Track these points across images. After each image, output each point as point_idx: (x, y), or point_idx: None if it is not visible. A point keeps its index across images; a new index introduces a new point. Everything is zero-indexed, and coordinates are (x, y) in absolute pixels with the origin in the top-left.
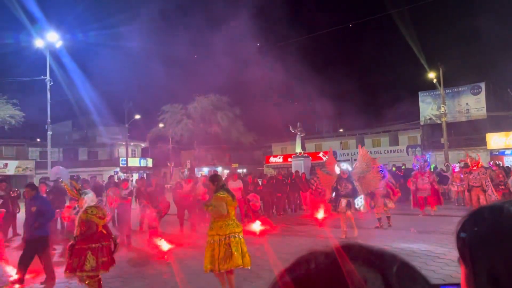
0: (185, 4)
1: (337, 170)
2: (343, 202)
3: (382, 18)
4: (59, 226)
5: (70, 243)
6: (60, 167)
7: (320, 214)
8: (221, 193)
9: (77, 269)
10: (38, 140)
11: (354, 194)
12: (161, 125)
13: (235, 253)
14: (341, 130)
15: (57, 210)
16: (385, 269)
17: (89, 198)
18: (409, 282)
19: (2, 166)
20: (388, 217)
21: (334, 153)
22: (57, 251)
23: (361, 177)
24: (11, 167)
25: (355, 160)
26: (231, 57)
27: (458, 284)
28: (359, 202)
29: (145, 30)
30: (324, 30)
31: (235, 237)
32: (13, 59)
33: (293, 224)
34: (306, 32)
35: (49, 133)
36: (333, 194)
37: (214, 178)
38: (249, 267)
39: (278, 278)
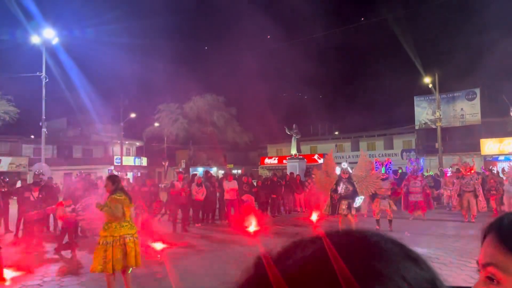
0: (182, 3)
1: (337, 171)
2: (344, 204)
3: (378, 22)
4: (51, 225)
5: None
6: (43, 163)
7: (315, 216)
8: (118, 194)
9: None
10: (32, 136)
11: (354, 195)
12: (156, 124)
13: (131, 253)
14: (336, 132)
15: (49, 208)
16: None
17: None
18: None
19: None
20: (390, 221)
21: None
22: (51, 249)
23: (360, 180)
24: (4, 163)
25: (349, 163)
26: (228, 57)
27: None
28: (358, 201)
29: (142, 27)
30: (320, 33)
31: (130, 238)
32: (9, 55)
33: (287, 225)
34: (303, 35)
35: (44, 130)
36: (331, 195)
37: (113, 178)
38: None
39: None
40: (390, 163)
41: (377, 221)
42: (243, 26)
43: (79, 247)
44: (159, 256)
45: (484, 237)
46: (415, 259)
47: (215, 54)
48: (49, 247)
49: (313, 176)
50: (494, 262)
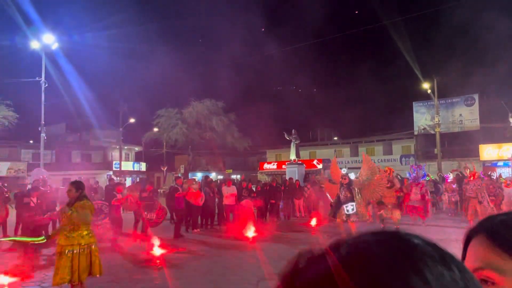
0: (181, 9)
1: (351, 176)
2: (343, 210)
3: (378, 28)
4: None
5: None
6: (42, 169)
7: (314, 221)
8: (85, 201)
9: None
10: (31, 141)
11: (350, 202)
12: (155, 129)
13: (95, 262)
14: (335, 138)
15: (48, 213)
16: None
17: None
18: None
19: None
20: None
21: (328, 161)
22: (49, 255)
23: (365, 185)
24: (3, 168)
25: (349, 168)
26: (227, 63)
27: None
28: (350, 208)
29: (141, 33)
30: (320, 39)
31: (94, 246)
32: (8, 60)
33: (286, 231)
34: (302, 41)
35: (43, 135)
36: (335, 201)
37: (78, 185)
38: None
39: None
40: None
41: (383, 228)
42: (243, 31)
43: None
44: (158, 261)
45: (469, 240)
46: (447, 261)
47: (214, 60)
48: (48, 252)
49: (322, 186)
50: (489, 264)
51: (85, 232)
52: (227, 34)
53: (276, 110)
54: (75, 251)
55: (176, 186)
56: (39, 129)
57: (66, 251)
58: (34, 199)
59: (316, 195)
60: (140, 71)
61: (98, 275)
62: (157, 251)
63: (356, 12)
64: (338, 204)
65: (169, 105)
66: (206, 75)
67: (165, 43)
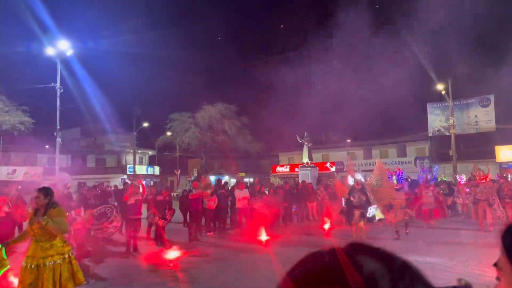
0: (193, 14)
1: (350, 181)
2: (357, 213)
3: (390, 29)
4: None
5: None
6: (66, 173)
7: (327, 225)
8: (60, 208)
9: None
10: (47, 146)
11: (367, 205)
12: (169, 133)
13: (78, 271)
14: (348, 140)
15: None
16: (391, 264)
17: None
18: (413, 277)
19: (11, 172)
20: (406, 224)
21: (341, 164)
22: None
23: (374, 190)
24: (19, 173)
25: (362, 171)
26: (239, 66)
27: None
28: (372, 211)
29: (154, 38)
30: (331, 41)
31: (72, 253)
32: (24, 67)
33: (299, 234)
34: (315, 42)
35: (58, 140)
36: (345, 205)
37: (47, 191)
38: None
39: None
40: (402, 172)
41: (397, 231)
42: (252, 35)
43: (90, 256)
44: (171, 264)
45: None
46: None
47: (226, 64)
48: None
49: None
50: (497, 262)
51: (62, 240)
52: (239, 37)
53: (288, 113)
54: (57, 262)
55: (191, 189)
56: (55, 134)
57: (47, 262)
58: None
59: (329, 198)
60: (154, 76)
61: (84, 283)
62: (171, 254)
63: (369, 12)
64: (350, 208)
65: (182, 109)
66: (218, 78)
67: (178, 48)
